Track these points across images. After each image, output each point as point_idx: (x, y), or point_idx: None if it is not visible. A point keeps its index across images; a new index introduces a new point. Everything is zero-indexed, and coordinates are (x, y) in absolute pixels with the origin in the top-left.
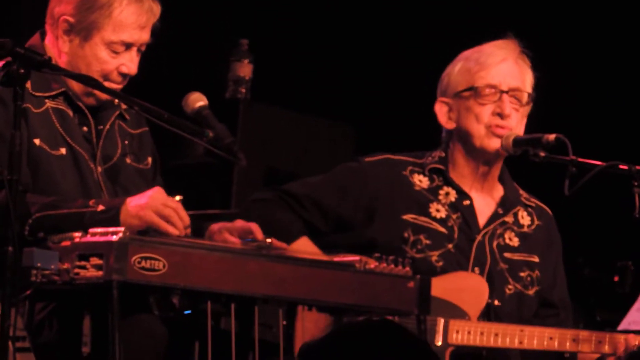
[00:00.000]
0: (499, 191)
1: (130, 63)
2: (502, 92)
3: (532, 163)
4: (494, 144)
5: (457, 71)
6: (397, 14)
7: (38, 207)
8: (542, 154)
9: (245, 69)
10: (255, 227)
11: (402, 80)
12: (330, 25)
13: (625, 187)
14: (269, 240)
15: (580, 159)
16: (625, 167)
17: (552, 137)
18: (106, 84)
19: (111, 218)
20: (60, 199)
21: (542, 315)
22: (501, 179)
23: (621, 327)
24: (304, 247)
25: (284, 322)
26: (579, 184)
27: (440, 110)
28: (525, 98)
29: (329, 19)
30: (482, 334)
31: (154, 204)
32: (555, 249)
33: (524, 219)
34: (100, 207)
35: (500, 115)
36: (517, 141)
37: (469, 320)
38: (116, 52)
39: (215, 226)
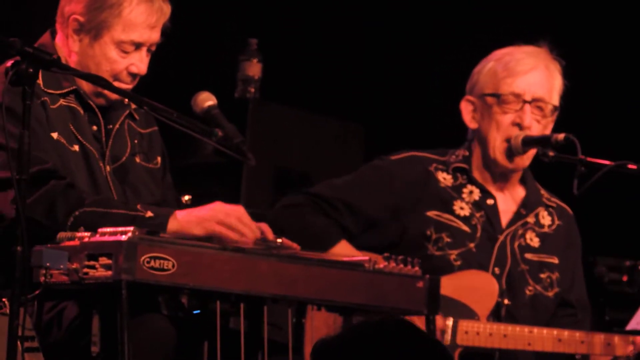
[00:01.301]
0: (520, 191)
1: (140, 63)
2: (525, 101)
3: (542, 162)
4: (507, 160)
5: (485, 71)
6: (406, 13)
7: (90, 202)
8: (551, 153)
9: (254, 69)
10: (265, 227)
11: (412, 79)
12: (339, 24)
13: (635, 186)
14: (279, 240)
15: (589, 159)
16: (635, 167)
17: (561, 136)
18: (116, 83)
19: (159, 225)
20: (108, 197)
21: (558, 315)
22: (523, 180)
23: (629, 327)
24: (344, 250)
25: (294, 319)
26: (587, 184)
27: (466, 108)
28: (549, 109)
29: (337, 18)
30: (490, 335)
31: (216, 215)
32: (575, 249)
33: (545, 219)
34: (149, 214)
35: (520, 126)
36: (526, 140)
37: (478, 321)
38: (126, 52)
39: None
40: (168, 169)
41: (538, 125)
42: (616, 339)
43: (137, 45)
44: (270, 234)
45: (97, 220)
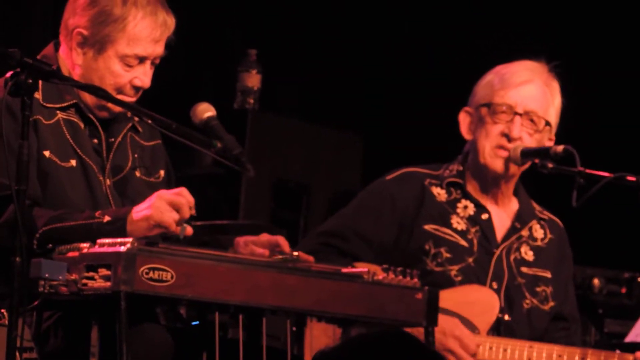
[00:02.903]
0: (514, 205)
1: (143, 76)
2: (515, 113)
3: (541, 174)
4: (497, 164)
5: (483, 84)
6: (405, 23)
7: (45, 221)
8: (550, 165)
9: (253, 79)
10: (282, 240)
11: (410, 89)
12: (337, 35)
13: (634, 198)
14: (295, 253)
15: (588, 171)
16: (633, 179)
17: (560, 148)
18: (119, 97)
19: (118, 229)
20: (67, 211)
21: (552, 329)
22: (516, 193)
23: (628, 339)
24: None
25: (294, 328)
26: (586, 196)
27: (463, 120)
28: (542, 124)
29: (336, 29)
30: (490, 348)
31: (159, 204)
32: (566, 263)
33: (538, 232)
34: (107, 218)
35: (508, 137)
36: (525, 152)
37: (479, 334)
38: (130, 66)
39: (240, 239)
40: (173, 183)
41: (530, 139)
42: (616, 356)
43: (141, 59)
44: (286, 247)
45: (61, 235)
